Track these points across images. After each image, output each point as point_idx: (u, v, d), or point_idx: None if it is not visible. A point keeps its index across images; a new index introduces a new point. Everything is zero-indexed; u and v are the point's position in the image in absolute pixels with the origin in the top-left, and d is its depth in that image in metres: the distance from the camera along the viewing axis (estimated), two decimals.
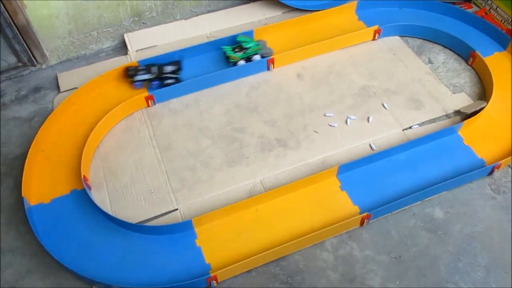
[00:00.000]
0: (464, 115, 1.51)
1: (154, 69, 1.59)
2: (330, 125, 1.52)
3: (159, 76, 1.59)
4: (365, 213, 1.25)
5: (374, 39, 1.77)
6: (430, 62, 1.71)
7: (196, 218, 1.26)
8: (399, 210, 1.32)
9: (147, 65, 1.61)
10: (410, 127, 1.51)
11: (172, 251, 1.24)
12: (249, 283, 1.20)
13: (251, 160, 1.44)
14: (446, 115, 1.54)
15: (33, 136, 1.49)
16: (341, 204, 1.32)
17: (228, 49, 1.67)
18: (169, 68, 1.61)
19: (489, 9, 1.86)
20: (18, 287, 1.21)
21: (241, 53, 1.65)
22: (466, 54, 1.70)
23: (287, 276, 1.21)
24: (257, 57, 1.66)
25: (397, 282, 1.20)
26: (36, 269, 1.24)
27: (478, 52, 1.65)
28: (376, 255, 1.24)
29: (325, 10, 1.83)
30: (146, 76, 1.58)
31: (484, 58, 1.63)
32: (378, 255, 1.24)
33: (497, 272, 1.20)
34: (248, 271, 1.21)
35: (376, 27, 1.74)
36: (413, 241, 1.26)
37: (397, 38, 1.79)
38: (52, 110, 1.60)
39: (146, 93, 1.55)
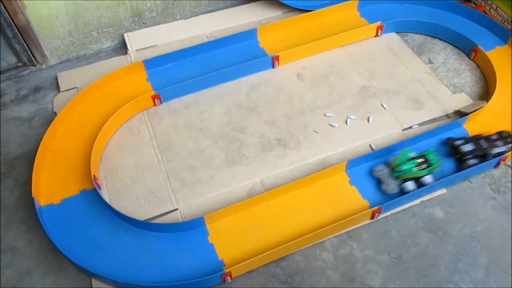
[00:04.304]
0: (464, 115, 1.51)
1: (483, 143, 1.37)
2: (330, 125, 1.52)
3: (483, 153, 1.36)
4: (376, 207, 1.26)
5: (377, 35, 1.79)
6: (430, 62, 1.71)
7: (208, 215, 1.26)
8: (399, 209, 1.32)
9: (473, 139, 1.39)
10: (410, 127, 1.51)
11: (185, 249, 1.24)
12: (249, 283, 1.20)
13: (251, 160, 1.44)
14: (446, 115, 1.54)
15: (33, 136, 1.49)
16: (351, 198, 1.33)
17: (408, 163, 1.32)
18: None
19: (489, 9, 1.85)
20: (18, 287, 1.21)
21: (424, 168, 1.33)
22: (468, 49, 1.71)
23: (287, 276, 1.21)
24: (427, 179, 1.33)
25: (397, 282, 1.20)
26: (36, 269, 1.24)
27: (480, 47, 1.66)
28: (376, 255, 1.24)
29: (327, 8, 1.83)
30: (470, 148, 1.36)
31: (486, 53, 1.64)
32: (378, 255, 1.24)
33: (497, 272, 1.20)
34: (248, 272, 1.21)
35: (378, 23, 1.76)
36: (413, 241, 1.26)
37: (397, 37, 1.79)
38: (52, 110, 1.60)
39: (152, 92, 1.55)
